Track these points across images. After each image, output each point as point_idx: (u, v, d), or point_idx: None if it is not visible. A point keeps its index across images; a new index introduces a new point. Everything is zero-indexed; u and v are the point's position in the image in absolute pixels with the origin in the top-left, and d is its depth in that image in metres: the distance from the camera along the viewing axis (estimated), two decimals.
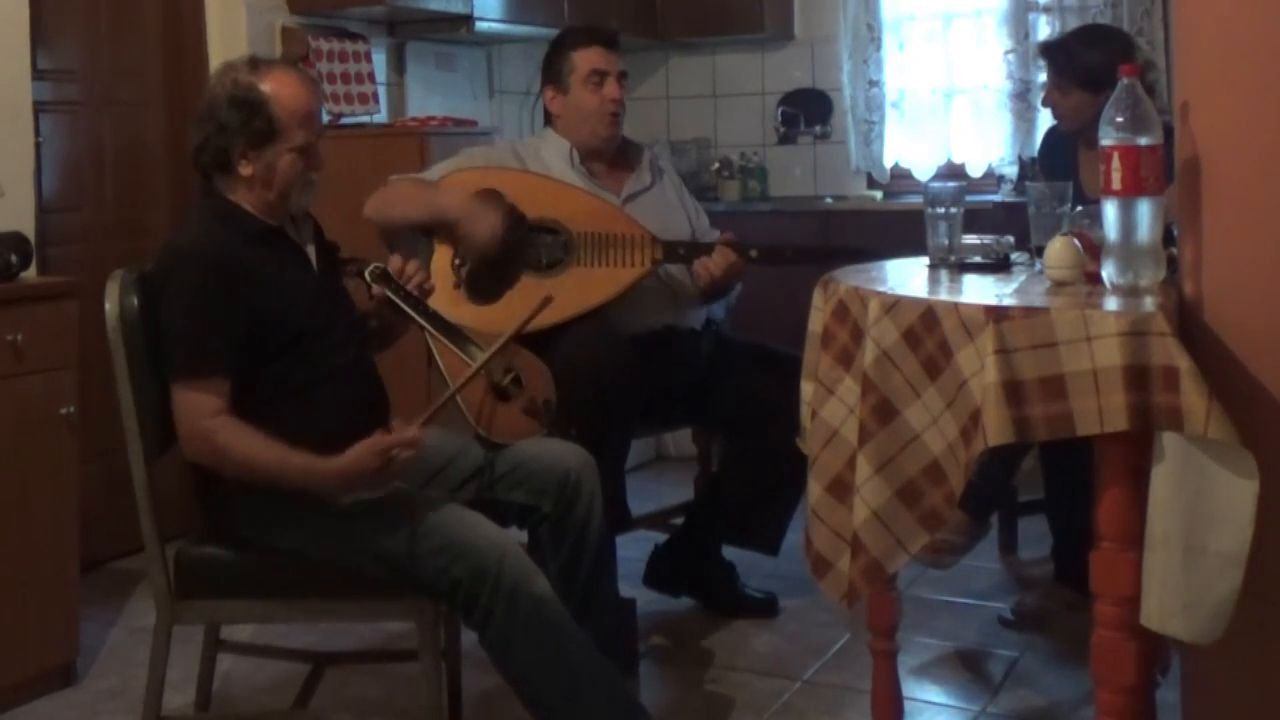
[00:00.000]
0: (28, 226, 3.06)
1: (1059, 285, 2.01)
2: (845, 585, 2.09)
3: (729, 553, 3.30)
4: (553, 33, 3.50)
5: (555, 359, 2.69)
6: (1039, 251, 2.24)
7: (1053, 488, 3.15)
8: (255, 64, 2.33)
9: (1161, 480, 1.70)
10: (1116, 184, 1.84)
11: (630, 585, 3.12)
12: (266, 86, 2.28)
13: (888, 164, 5.17)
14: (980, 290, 2.10)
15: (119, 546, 3.64)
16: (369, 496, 2.20)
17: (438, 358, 2.56)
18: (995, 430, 1.75)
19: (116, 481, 2.91)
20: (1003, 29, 4.90)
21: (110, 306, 2.25)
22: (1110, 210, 1.86)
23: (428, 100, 4.62)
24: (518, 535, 2.38)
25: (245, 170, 2.30)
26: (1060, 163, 3.19)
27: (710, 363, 3.18)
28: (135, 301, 2.26)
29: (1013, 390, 1.76)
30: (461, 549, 2.14)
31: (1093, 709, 1.87)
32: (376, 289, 2.47)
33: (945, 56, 5.04)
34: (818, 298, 2.31)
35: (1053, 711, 2.72)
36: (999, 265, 2.33)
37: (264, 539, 2.24)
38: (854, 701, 2.73)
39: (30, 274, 2.92)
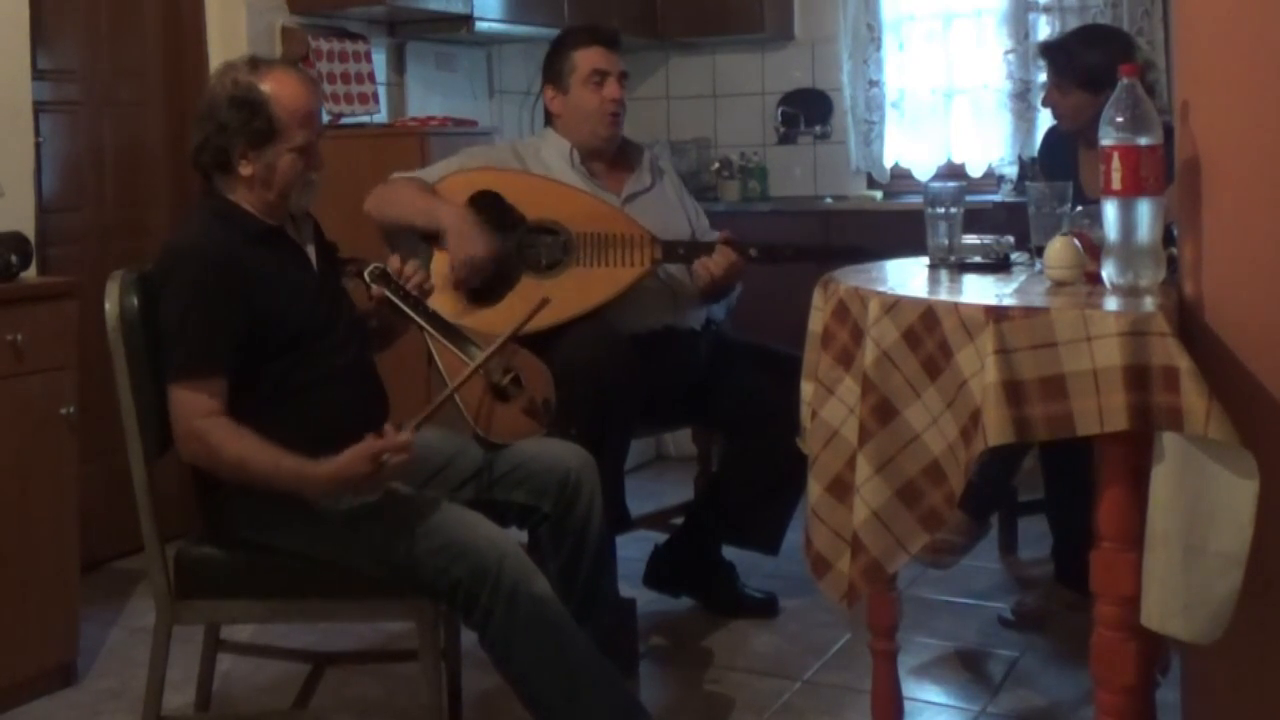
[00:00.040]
0: (28, 226, 3.06)
1: (1059, 285, 2.01)
2: (845, 585, 2.09)
3: (729, 553, 3.30)
4: (553, 33, 3.50)
5: (555, 359, 2.68)
6: (1039, 251, 2.24)
7: (1053, 488, 3.15)
8: (255, 64, 2.33)
9: (1161, 480, 1.70)
10: (1116, 184, 1.84)
11: (630, 585, 3.12)
12: (266, 86, 2.28)
13: (888, 164, 5.17)
14: (980, 290, 2.10)
15: (119, 546, 3.64)
16: (361, 501, 2.19)
17: (437, 358, 2.56)
18: (995, 430, 1.75)
19: (116, 481, 2.91)
20: (1003, 29, 4.89)
21: (110, 306, 2.25)
22: (1110, 210, 1.86)
23: (428, 100, 4.61)
24: (518, 535, 2.38)
25: (245, 170, 2.30)
26: (1060, 163, 3.19)
27: (710, 363, 3.18)
28: (135, 301, 2.26)
29: (1013, 390, 1.76)
30: (461, 549, 2.14)
31: (1093, 709, 1.87)
32: (376, 289, 2.46)
33: (945, 56, 5.04)
34: (818, 298, 2.31)
35: (1053, 711, 2.72)
36: (999, 265, 2.33)
37: (264, 539, 2.24)
38: (854, 701, 2.73)
39: (30, 274, 2.92)
